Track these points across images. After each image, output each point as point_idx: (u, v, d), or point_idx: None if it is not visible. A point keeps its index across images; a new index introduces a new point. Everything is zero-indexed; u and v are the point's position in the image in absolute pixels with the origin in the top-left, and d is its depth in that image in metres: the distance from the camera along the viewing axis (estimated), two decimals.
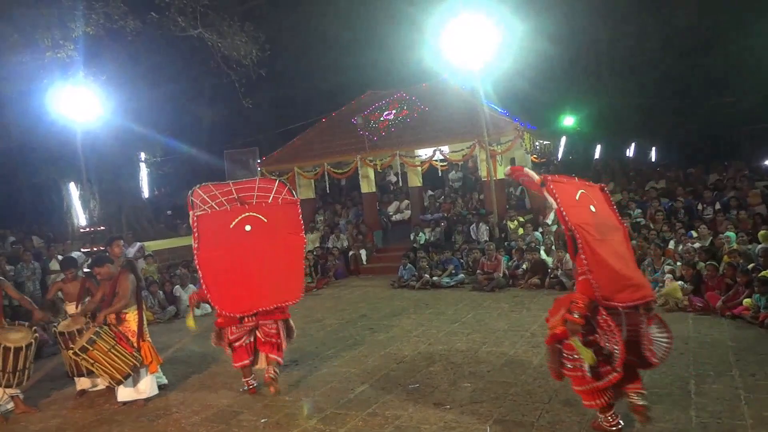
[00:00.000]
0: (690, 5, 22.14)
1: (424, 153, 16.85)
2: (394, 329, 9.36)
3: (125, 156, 19.45)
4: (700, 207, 13.14)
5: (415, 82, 19.02)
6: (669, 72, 24.84)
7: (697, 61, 23.82)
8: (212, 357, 8.60)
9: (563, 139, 21.84)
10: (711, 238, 10.87)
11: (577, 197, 4.92)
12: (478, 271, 12.62)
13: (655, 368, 5.00)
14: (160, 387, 7.19)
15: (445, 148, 16.28)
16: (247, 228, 6.39)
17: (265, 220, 6.43)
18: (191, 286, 12.72)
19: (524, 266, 12.40)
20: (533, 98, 22.25)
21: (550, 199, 4.78)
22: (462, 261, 13.70)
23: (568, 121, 27.46)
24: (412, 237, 16.11)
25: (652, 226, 12.29)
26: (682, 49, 23.96)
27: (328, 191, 18.60)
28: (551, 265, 12.07)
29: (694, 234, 11.16)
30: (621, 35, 24.05)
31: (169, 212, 23.03)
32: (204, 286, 6.35)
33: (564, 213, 4.68)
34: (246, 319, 6.51)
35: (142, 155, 21.54)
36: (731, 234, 10.47)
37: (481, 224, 15.10)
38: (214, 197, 6.56)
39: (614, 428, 4.76)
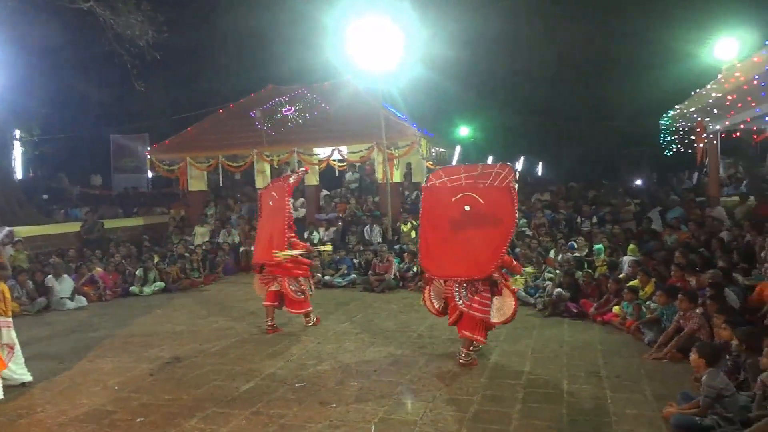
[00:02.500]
0: (583, 35, 23.66)
1: (323, 152, 16.78)
2: (283, 328, 9.22)
3: None
4: (579, 220, 13.99)
5: (317, 80, 18.93)
6: (559, 95, 26.39)
7: (585, 87, 25.49)
8: (84, 352, 8.08)
9: (458, 148, 22.54)
10: (587, 248, 11.58)
11: (453, 199, 7.07)
12: (369, 272, 12.71)
13: (531, 367, 6.78)
14: (24, 384, 6.66)
15: (344, 149, 16.30)
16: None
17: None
18: (65, 276, 11.89)
19: (414, 269, 12.63)
20: (432, 106, 22.88)
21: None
22: (355, 261, 13.75)
23: (464, 131, 28.45)
24: (306, 235, 15.96)
25: (535, 235, 12.92)
26: (575, 75, 25.56)
27: (221, 184, 18.05)
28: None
29: (576, 245, 11.86)
30: (518, 56, 25.27)
31: (44, 196, 21.42)
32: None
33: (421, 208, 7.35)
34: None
35: (17, 132, 19.85)
36: (599, 246, 11.16)
37: (375, 226, 15.24)
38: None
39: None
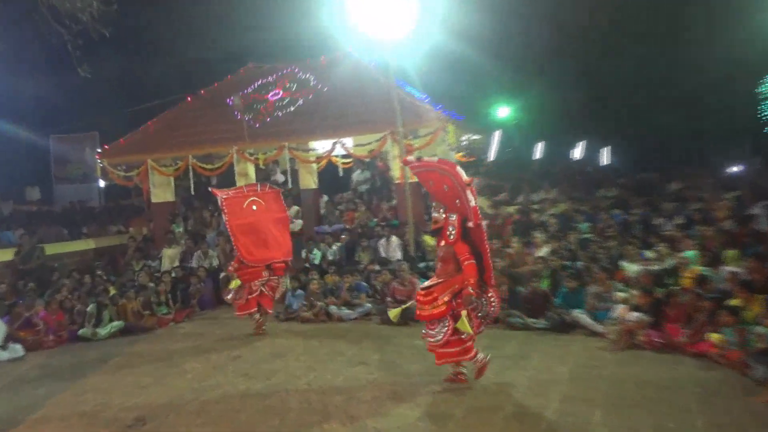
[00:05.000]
0: None
1: (321, 146, 16.80)
2: (278, 375, 9.18)
3: None
4: (657, 221, 13.83)
5: (310, 55, 18.98)
6: (626, 60, 26.14)
7: (657, 51, 25.24)
8: (22, 416, 8.10)
9: (497, 134, 22.46)
10: (671, 258, 11.43)
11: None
12: (388, 298, 12.64)
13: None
14: None
15: (349, 141, 16.30)
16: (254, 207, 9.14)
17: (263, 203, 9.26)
18: None
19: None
20: (462, 82, 22.78)
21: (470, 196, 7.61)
22: (367, 286, 13.70)
23: (504, 111, 28.36)
24: (303, 255, 15.94)
25: (601, 243, 12.79)
26: (644, 34, 25.30)
27: (193, 192, 18.12)
28: None
29: (648, 254, 11.71)
30: (570, 15, 25.05)
31: None
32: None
33: (468, 200, 7.58)
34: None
35: None
36: (690, 253, 11.02)
37: (392, 238, 15.18)
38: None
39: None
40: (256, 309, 12.05)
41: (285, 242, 12.50)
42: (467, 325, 7.70)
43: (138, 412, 7.92)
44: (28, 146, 25.38)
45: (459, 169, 7.76)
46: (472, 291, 7.70)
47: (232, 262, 12.28)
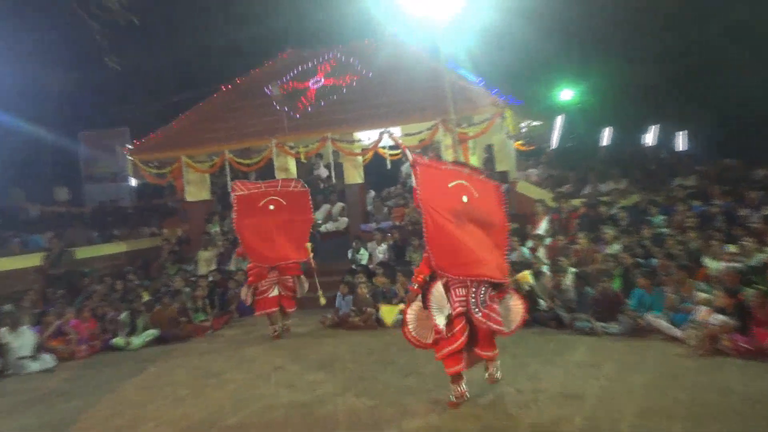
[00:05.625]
0: None
1: (367, 137, 16.83)
2: (324, 386, 9.22)
3: None
4: (743, 212, 13.54)
5: (353, 38, 19.00)
6: (704, 32, 25.54)
7: (741, 18, 24.56)
8: None
9: (560, 120, 22.23)
10: (758, 254, 11.18)
11: (450, 185, 7.90)
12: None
13: None
14: None
15: (397, 130, 16.30)
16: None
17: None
18: (25, 328, 12.21)
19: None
20: (519, 63, 22.56)
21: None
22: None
23: (567, 94, 28.01)
24: (350, 255, 15.99)
25: (679, 237, 12.58)
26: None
27: (230, 190, 18.29)
28: (541, 294, 12.19)
29: (732, 249, 11.47)
30: None
31: None
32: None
33: (419, 192, 7.76)
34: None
35: None
36: None
37: None
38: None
39: (461, 400, 7.87)
40: (276, 309, 12.75)
41: (298, 244, 12.93)
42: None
43: (176, 427, 8.03)
44: (56, 145, 25.85)
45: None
46: (414, 287, 7.99)
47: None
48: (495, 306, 7.71)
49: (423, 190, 7.80)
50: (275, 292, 12.72)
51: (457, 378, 7.92)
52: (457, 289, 7.77)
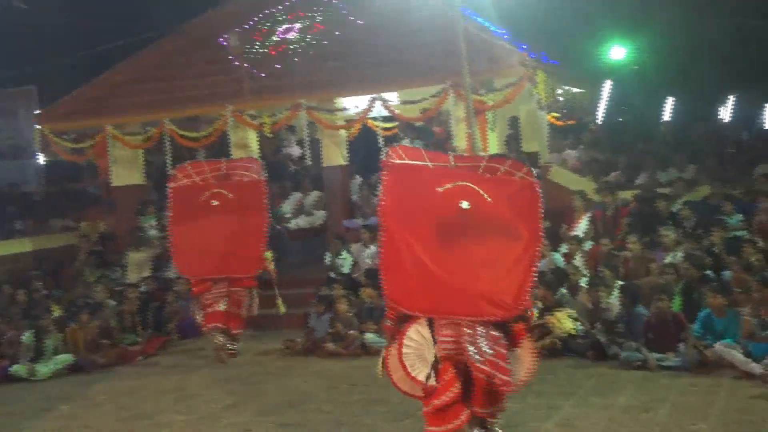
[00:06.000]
0: None
1: (354, 104, 16.82)
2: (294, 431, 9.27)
3: None
4: None
5: None
6: None
7: None
8: None
9: (608, 86, 22.25)
10: None
11: (441, 189, 7.80)
12: None
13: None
14: None
15: (393, 97, 16.31)
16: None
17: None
18: None
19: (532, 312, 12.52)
20: (556, 11, 22.59)
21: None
22: None
23: (618, 53, 28.02)
24: (328, 260, 16.03)
25: (762, 244, 12.66)
26: None
27: (171, 172, 18.28)
28: (577, 314, 12.28)
29: None
30: None
31: None
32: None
33: (382, 201, 7.98)
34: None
35: None
36: None
37: None
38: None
39: None
40: (222, 324, 13.07)
41: (249, 252, 13.20)
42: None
43: None
44: None
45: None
46: (387, 324, 7.99)
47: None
48: (504, 352, 7.47)
49: (390, 198, 7.92)
50: (223, 306, 13.07)
51: None
52: (442, 329, 7.60)
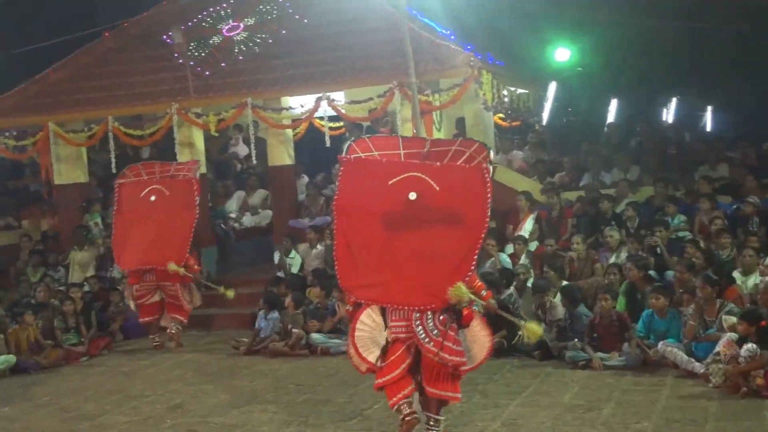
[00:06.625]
0: None
1: (300, 103, 16.78)
2: None
3: None
4: None
5: None
6: None
7: None
8: None
9: (553, 87, 22.39)
10: None
11: (391, 182, 8.39)
12: None
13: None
14: None
15: (339, 96, 16.31)
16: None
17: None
18: None
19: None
20: (503, 11, 22.67)
21: None
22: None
23: (563, 55, 28.17)
24: (277, 259, 15.99)
25: (703, 244, 12.80)
26: None
27: (114, 170, 18.13)
28: (522, 314, 12.36)
29: None
30: None
31: None
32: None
33: (337, 194, 8.82)
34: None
35: None
36: None
37: None
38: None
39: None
40: (157, 317, 14.51)
41: (175, 248, 14.20)
42: None
43: None
44: None
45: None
46: (349, 309, 8.80)
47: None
48: (452, 334, 8.00)
49: (343, 192, 8.73)
50: (156, 298, 14.39)
51: (402, 406, 8.19)
52: (392, 314, 8.26)
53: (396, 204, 8.33)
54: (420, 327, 7.96)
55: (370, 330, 8.24)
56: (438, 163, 8.35)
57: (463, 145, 8.51)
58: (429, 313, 8.00)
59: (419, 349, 8.10)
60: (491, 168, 8.57)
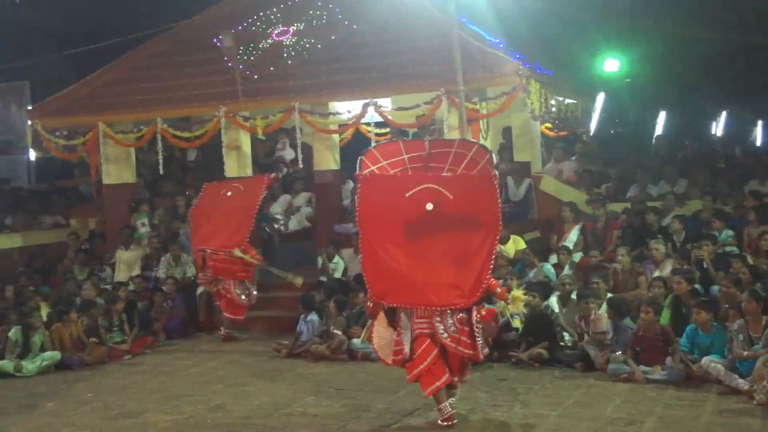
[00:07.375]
0: None
1: (347, 109, 16.79)
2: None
3: None
4: None
5: None
6: None
7: None
8: None
9: (601, 97, 22.26)
10: None
11: (408, 194, 9.12)
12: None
13: None
14: None
15: (387, 102, 16.30)
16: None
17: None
18: None
19: (515, 323, 12.60)
20: (552, 21, 22.59)
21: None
22: None
23: (612, 65, 28.03)
24: (319, 263, 16.01)
25: (751, 260, 12.68)
26: None
27: (161, 172, 18.27)
28: (565, 325, 12.27)
29: None
30: None
31: None
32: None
33: (357, 209, 9.73)
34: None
35: None
36: None
37: None
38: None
39: (447, 423, 9.05)
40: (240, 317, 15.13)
41: (234, 235, 14.78)
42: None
43: None
44: None
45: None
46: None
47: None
48: (467, 329, 8.97)
49: (364, 207, 9.62)
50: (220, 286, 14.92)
51: (440, 396, 9.13)
52: (417, 314, 9.16)
53: (415, 215, 9.13)
54: (440, 324, 8.88)
55: (381, 339, 9.52)
56: (449, 174, 9.17)
57: (463, 147, 9.34)
58: (448, 311, 8.87)
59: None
60: (496, 172, 9.27)
